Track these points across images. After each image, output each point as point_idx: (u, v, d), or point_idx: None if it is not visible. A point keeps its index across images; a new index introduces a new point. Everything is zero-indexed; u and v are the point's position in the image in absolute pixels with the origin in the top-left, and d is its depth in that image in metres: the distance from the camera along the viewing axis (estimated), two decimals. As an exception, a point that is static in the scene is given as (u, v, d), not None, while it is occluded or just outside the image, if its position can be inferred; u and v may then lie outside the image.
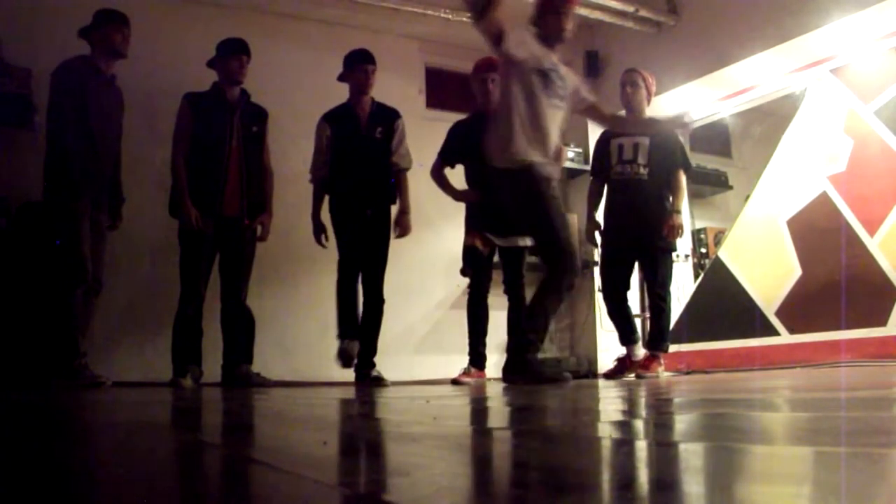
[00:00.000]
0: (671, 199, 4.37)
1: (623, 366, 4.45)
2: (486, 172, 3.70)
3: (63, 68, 3.74)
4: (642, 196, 4.29)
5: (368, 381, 4.19)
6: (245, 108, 4.19)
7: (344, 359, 4.18)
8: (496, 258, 4.31)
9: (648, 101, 4.45)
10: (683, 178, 4.38)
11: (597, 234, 4.52)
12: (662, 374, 4.36)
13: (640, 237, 4.31)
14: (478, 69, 4.27)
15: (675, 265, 4.80)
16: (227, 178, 4.07)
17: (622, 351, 4.49)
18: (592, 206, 4.55)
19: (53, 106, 3.74)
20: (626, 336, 4.44)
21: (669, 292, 4.40)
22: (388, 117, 4.36)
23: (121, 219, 4.04)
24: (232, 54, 4.12)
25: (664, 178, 4.34)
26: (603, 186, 4.49)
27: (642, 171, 4.30)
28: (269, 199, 4.28)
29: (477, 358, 4.23)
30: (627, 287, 4.46)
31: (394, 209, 4.35)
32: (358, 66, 4.30)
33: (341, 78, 4.37)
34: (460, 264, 4.29)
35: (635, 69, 4.47)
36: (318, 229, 4.24)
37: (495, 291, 4.34)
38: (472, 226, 4.21)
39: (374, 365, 4.26)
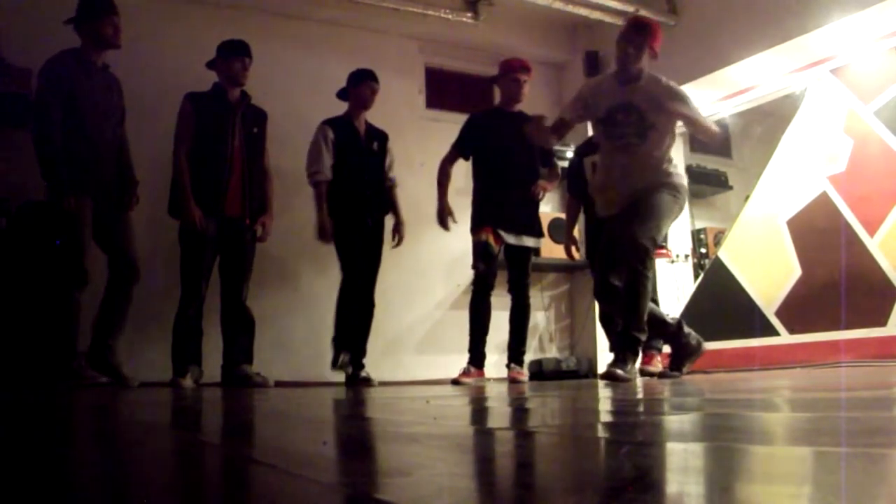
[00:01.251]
0: None
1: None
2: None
3: (50, 64, 3.67)
4: None
5: (358, 381, 4.27)
6: (246, 109, 4.19)
7: (340, 367, 4.25)
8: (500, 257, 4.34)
9: None
10: None
11: (573, 249, 4.64)
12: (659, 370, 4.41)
13: None
14: (511, 69, 4.34)
15: (673, 265, 4.84)
16: (229, 178, 4.06)
17: None
18: (571, 223, 4.69)
19: (39, 105, 3.67)
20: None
21: (657, 291, 4.53)
22: (381, 136, 4.52)
23: (137, 200, 3.99)
24: (234, 56, 4.11)
25: None
26: (580, 204, 4.59)
27: None
28: (270, 200, 4.28)
29: (478, 357, 4.23)
30: None
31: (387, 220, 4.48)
32: (365, 82, 4.41)
33: (342, 93, 4.46)
34: (460, 264, 4.31)
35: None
36: (326, 229, 4.24)
37: (496, 291, 4.35)
38: (485, 221, 4.23)
39: (363, 366, 4.34)
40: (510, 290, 4.35)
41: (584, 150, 4.71)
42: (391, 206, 4.49)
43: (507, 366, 4.33)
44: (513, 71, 4.36)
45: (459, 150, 4.40)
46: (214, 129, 4.05)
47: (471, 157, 4.43)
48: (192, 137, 4.02)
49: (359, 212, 4.30)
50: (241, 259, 4.13)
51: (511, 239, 4.25)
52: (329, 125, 4.35)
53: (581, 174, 4.58)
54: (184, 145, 4.00)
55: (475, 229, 4.27)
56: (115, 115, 3.93)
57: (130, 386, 3.74)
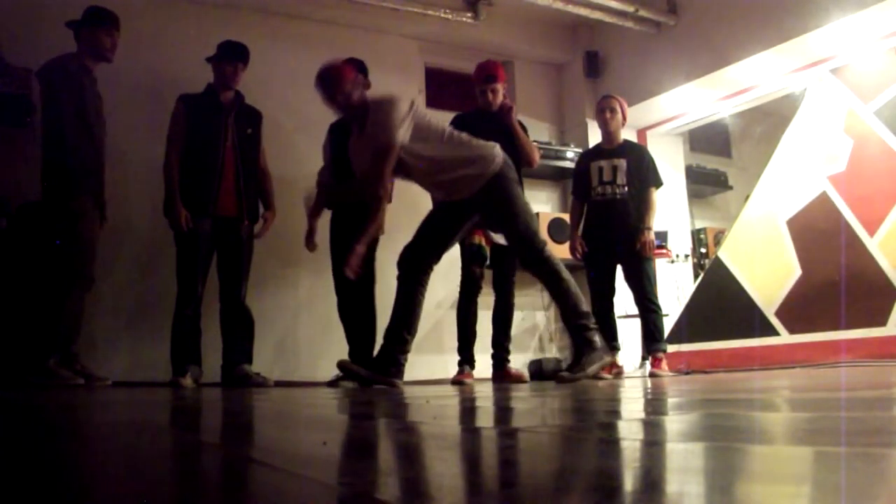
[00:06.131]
0: (643, 215, 4.50)
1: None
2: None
3: (54, 64, 3.71)
4: (622, 213, 4.50)
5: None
6: (239, 109, 4.19)
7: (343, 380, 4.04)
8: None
9: (623, 124, 4.70)
10: (655, 196, 4.58)
11: (578, 248, 4.67)
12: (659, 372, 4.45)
13: (621, 250, 4.50)
14: (476, 80, 4.28)
15: (673, 265, 4.86)
16: (221, 179, 4.06)
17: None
18: (576, 224, 4.74)
19: (50, 102, 3.71)
20: (608, 344, 4.55)
21: (656, 295, 4.60)
22: None
23: (106, 219, 3.98)
24: (227, 60, 4.12)
25: (639, 196, 4.54)
26: (584, 206, 4.68)
27: (621, 190, 4.51)
28: (271, 198, 4.29)
29: (472, 357, 4.23)
30: (612, 293, 4.61)
31: None
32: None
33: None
34: (460, 264, 4.27)
35: (611, 95, 4.74)
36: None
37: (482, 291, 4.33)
38: (477, 224, 4.17)
39: None
40: (495, 288, 4.31)
41: (591, 154, 4.74)
42: None
43: (500, 365, 4.28)
44: (478, 82, 4.22)
45: None
46: (206, 130, 4.06)
47: None
48: (185, 139, 4.02)
49: (359, 218, 4.16)
50: (238, 258, 4.13)
51: (502, 239, 4.21)
52: (330, 131, 4.28)
53: (587, 178, 4.62)
54: (175, 147, 4.02)
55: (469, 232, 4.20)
56: (104, 127, 3.94)
57: (104, 385, 3.73)
